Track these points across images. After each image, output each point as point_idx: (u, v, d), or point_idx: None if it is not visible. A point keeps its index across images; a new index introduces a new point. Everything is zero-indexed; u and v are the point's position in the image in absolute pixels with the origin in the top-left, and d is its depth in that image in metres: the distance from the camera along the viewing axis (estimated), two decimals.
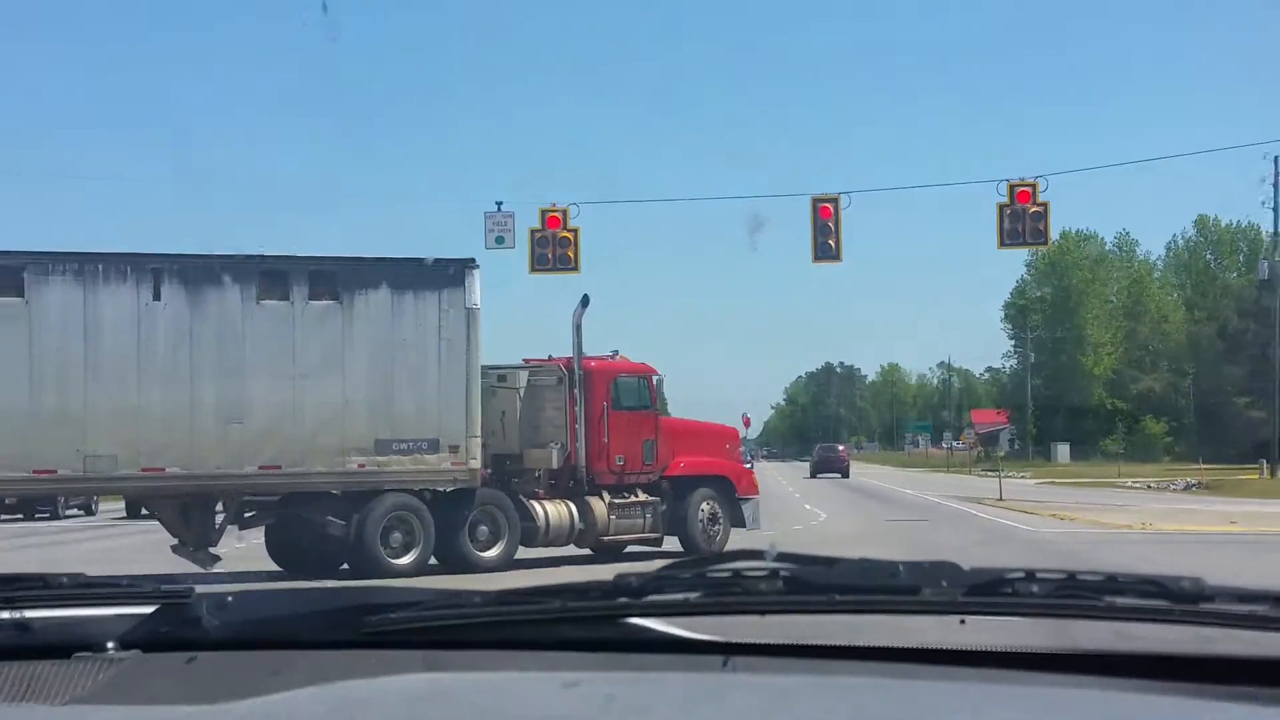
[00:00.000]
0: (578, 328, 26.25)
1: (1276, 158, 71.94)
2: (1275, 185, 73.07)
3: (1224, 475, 73.78)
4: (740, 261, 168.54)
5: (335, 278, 23.46)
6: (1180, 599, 2.66)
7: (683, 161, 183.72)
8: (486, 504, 24.47)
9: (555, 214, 34.71)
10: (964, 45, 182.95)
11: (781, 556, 2.92)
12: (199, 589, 3.16)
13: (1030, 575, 2.72)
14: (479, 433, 24.12)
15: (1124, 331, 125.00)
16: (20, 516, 39.57)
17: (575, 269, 34.23)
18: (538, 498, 25.33)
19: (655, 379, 27.33)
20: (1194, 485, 68.87)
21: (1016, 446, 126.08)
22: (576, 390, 25.84)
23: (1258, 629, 2.64)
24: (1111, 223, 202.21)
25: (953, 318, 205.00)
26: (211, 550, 23.28)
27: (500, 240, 35.10)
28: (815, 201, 34.06)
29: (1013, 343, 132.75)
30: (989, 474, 75.77)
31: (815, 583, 2.80)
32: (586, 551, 26.08)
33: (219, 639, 2.99)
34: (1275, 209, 74.18)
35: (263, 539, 24.95)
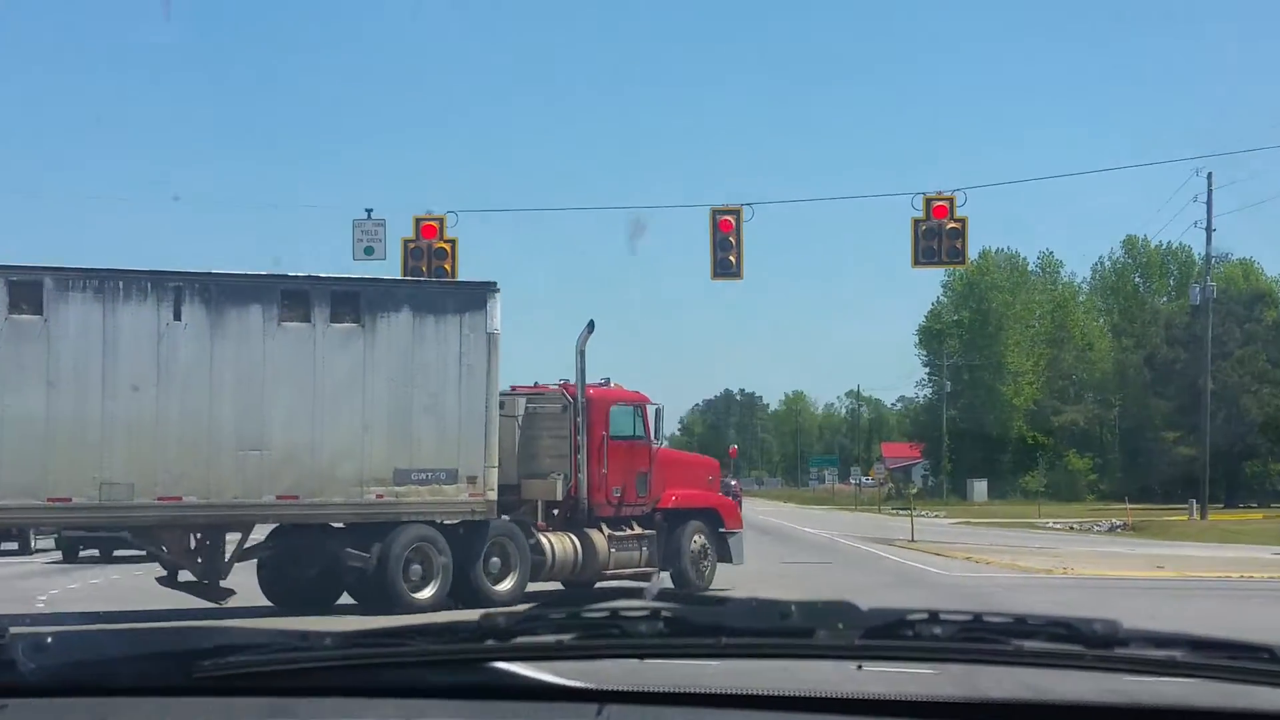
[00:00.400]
0: (582, 353, 27.07)
1: (1210, 175, 72.97)
2: (1208, 204, 74.07)
3: (1151, 516, 74.84)
4: (634, 276, 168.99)
5: (358, 299, 24.12)
6: (1093, 644, 2.68)
7: (578, 169, 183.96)
8: (499, 536, 25.30)
9: (431, 222, 34.55)
10: (883, 53, 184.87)
11: (663, 595, 2.92)
12: (13, 629, 3.09)
13: (933, 617, 2.73)
14: (496, 463, 24.99)
15: (1046, 359, 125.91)
16: None
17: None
18: (540, 530, 26.21)
19: (650, 408, 28.33)
20: (1119, 527, 69.79)
21: (930, 483, 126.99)
22: (579, 419, 26.70)
23: (1174, 675, 2.67)
24: (1035, 243, 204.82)
25: (863, 343, 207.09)
26: (222, 584, 23.82)
27: (370, 251, 34.89)
28: (715, 213, 34.14)
29: (927, 370, 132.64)
30: (900, 512, 76.41)
31: (700, 624, 2.79)
32: (556, 586, 26.71)
33: (35, 684, 2.92)
34: (1208, 230, 75.29)
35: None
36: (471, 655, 2.89)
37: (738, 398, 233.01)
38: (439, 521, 24.73)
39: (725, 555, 27.99)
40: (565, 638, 2.83)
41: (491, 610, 2.92)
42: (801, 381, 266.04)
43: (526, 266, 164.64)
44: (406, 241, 34.41)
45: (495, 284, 25.28)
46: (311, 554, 24.39)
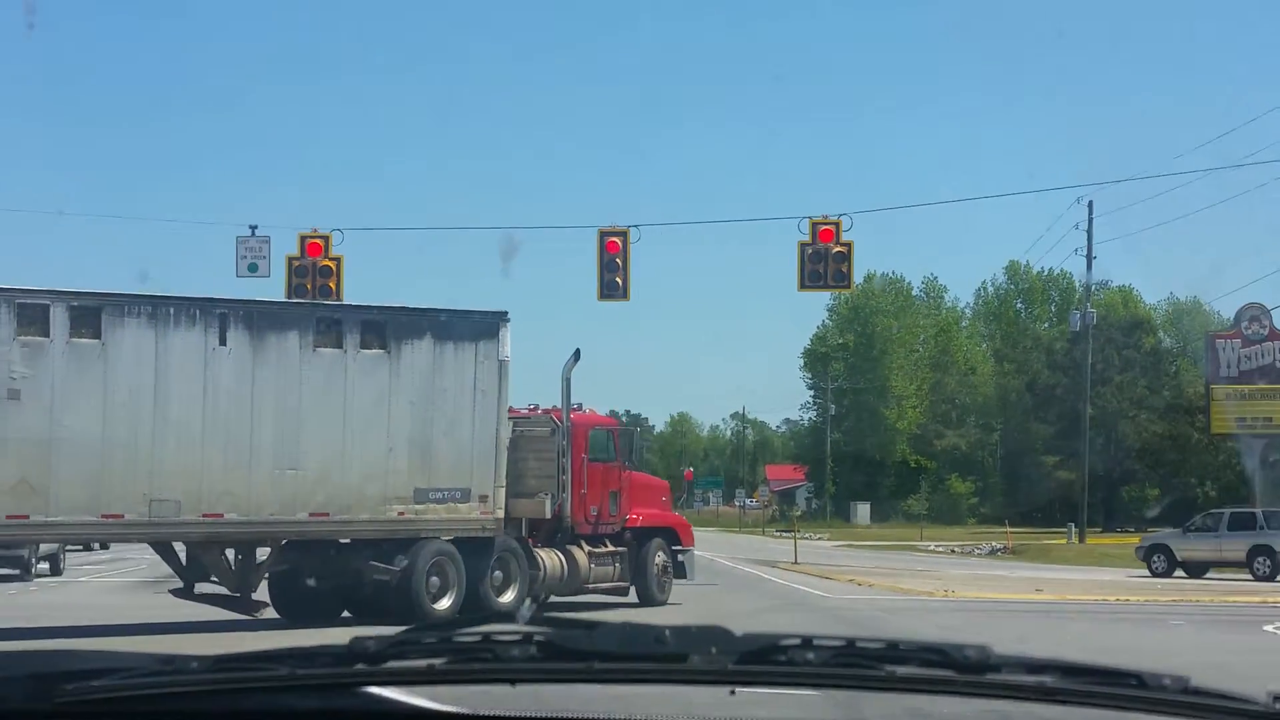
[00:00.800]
0: (567, 381, 28.98)
1: (1090, 203, 74.00)
2: (1089, 232, 75.12)
3: (1031, 539, 75.77)
4: (517, 296, 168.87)
5: (385, 327, 25.72)
6: (965, 669, 2.68)
7: (464, 187, 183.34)
8: (503, 552, 27.07)
9: (316, 240, 34.34)
10: (770, 75, 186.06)
11: (536, 619, 2.88)
12: None
13: (806, 642, 2.72)
14: (505, 483, 26.79)
15: (929, 383, 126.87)
16: None
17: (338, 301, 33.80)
18: (534, 546, 28.06)
19: (620, 431, 31.42)
20: (1000, 550, 70.60)
21: (814, 506, 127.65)
22: (565, 442, 28.47)
23: (1045, 701, 2.68)
24: (920, 267, 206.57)
25: (750, 365, 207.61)
26: (255, 597, 25.19)
27: (253, 268, 34.63)
28: (602, 234, 34.22)
29: (812, 393, 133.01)
30: (784, 535, 76.80)
31: (573, 649, 2.76)
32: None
33: None
34: (1088, 257, 76.36)
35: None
36: (341, 679, 2.85)
37: (623, 419, 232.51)
38: (457, 538, 26.38)
39: (681, 572, 30.67)
40: (437, 662, 2.80)
41: (361, 635, 2.88)
42: (687, 403, 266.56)
43: (416, 287, 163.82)
44: (291, 259, 34.17)
45: (506, 313, 26.95)
46: (330, 568, 25.64)
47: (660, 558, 30.04)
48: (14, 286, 23.28)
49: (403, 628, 2.93)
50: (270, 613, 25.50)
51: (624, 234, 34.14)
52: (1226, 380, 58.86)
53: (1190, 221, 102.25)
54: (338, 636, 3.12)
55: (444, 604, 25.84)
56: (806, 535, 75.83)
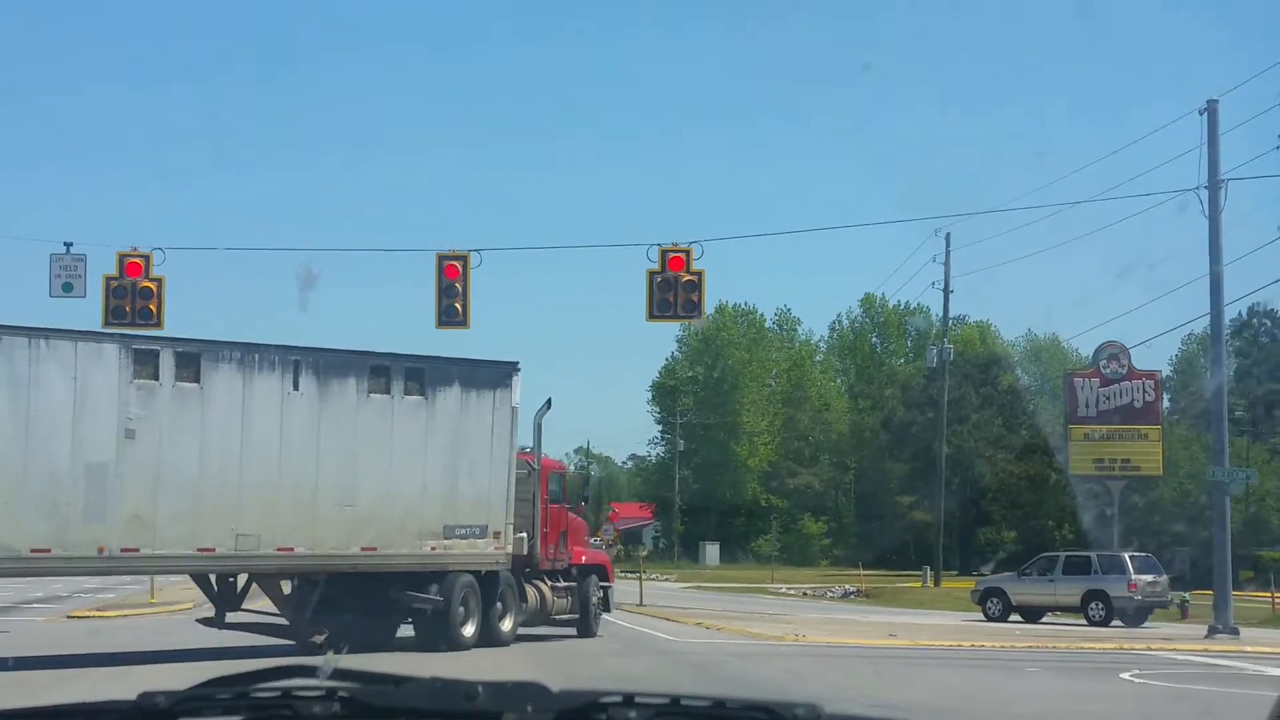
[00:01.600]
0: (538, 426, 32.29)
1: (948, 235, 75.09)
2: (946, 265, 76.21)
3: (885, 583, 76.56)
4: (356, 322, 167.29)
5: (423, 374, 28.98)
6: None
7: (291, 205, 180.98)
8: (505, 585, 30.49)
9: (136, 259, 33.78)
10: (621, 99, 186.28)
11: (339, 674, 2.80)
12: None
13: (628, 700, 2.66)
14: (513, 520, 30.22)
15: (782, 419, 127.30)
16: None
17: (158, 324, 33.23)
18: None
19: (569, 475, 35.68)
20: (853, 593, 71.28)
21: (661, 545, 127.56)
22: (537, 485, 31.73)
23: None
24: (774, 299, 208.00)
25: (595, 398, 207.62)
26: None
27: (68, 287, 34.02)
28: (440, 259, 34.05)
29: (660, 428, 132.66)
30: (629, 575, 76.78)
31: (378, 705, 2.68)
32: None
33: None
34: (945, 291, 77.44)
35: None
36: None
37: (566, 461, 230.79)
38: (478, 571, 29.65)
39: (606, 606, 34.74)
40: None
41: (151, 690, 2.78)
42: None
43: (240, 309, 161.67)
44: (109, 279, 33.60)
45: (518, 363, 30.73)
46: (369, 599, 28.66)
47: (599, 592, 33.80)
48: (128, 333, 26.72)
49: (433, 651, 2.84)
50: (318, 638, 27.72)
51: (464, 258, 34.00)
52: (1085, 420, 59.84)
53: (1047, 257, 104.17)
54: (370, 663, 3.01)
55: (469, 630, 29.34)
56: (653, 576, 75.95)
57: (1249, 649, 34.62)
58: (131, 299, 33.36)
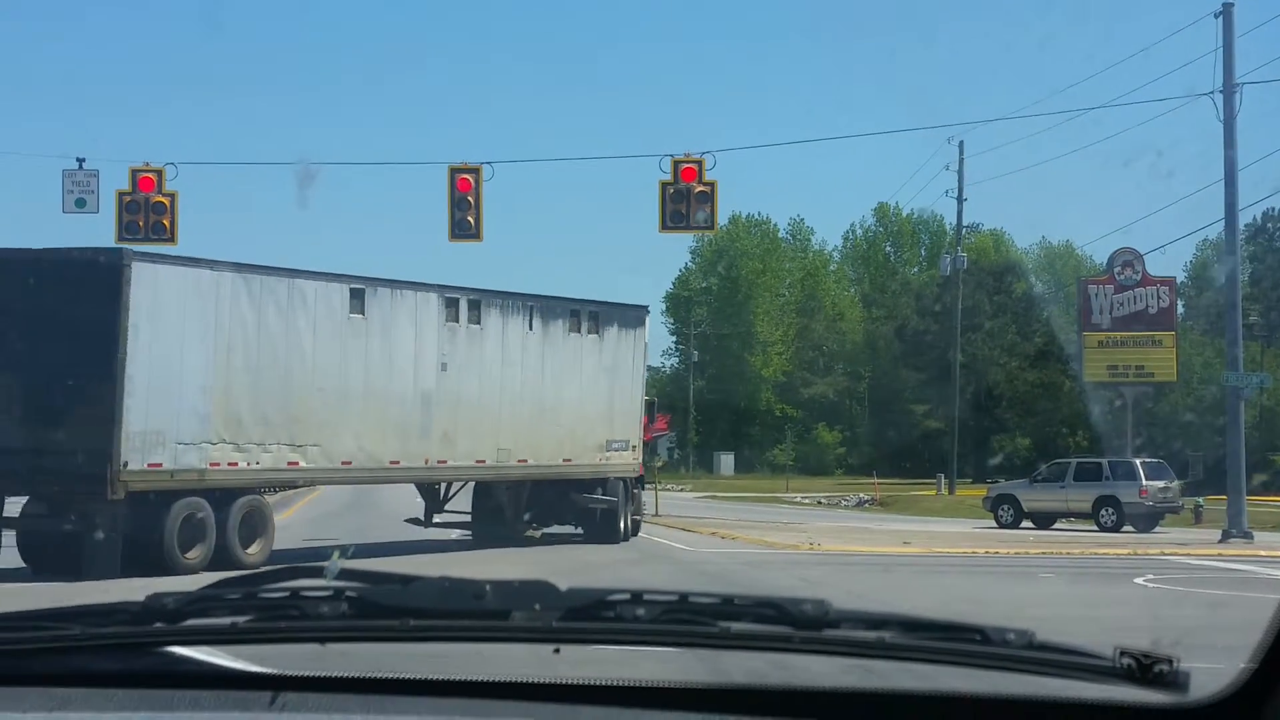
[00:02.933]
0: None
1: (961, 143, 74.65)
2: (959, 173, 75.82)
3: (899, 491, 76.75)
4: (378, 240, 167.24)
5: (598, 317, 35.43)
6: (802, 624, 2.65)
7: (310, 119, 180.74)
8: (636, 488, 37.33)
9: (149, 175, 33.73)
10: (636, 14, 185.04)
11: (346, 574, 2.80)
12: None
13: (636, 597, 2.67)
14: (642, 437, 37.48)
15: (796, 329, 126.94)
16: None
17: (172, 240, 33.26)
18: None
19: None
20: (867, 502, 71.50)
21: (676, 456, 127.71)
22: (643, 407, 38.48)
23: (884, 658, 2.65)
24: (787, 209, 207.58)
25: None
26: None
27: (81, 203, 34.03)
28: (453, 172, 33.96)
29: (674, 339, 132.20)
30: (645, 486, 77.00)
31: (386, 605, 2.69)
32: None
33: None
34: (959, 199, 77.13)
35: None
36: (138, 639, 2.77)
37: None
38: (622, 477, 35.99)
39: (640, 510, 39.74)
40: (240, 620, 2.72)
41: (160, 591, 2.79)
42: None
43: (250, 221, 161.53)
44: (122, 194, 33.56)
45: (648, 307, 38.85)
46: (550, 502, 35.34)
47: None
48: (440, 283, 31.79)
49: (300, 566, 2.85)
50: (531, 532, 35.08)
51: (476, 171, 33.91)
52: (1099, 327, 59.70)
53: (1060, 164, 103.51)
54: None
55: (622, 524, 35.51)
56: (668, 486, 76.12)
57: (1263, 553, 34.69)
58: (145, 214, 33.32)
